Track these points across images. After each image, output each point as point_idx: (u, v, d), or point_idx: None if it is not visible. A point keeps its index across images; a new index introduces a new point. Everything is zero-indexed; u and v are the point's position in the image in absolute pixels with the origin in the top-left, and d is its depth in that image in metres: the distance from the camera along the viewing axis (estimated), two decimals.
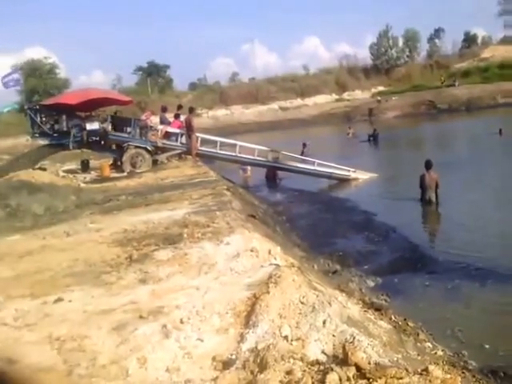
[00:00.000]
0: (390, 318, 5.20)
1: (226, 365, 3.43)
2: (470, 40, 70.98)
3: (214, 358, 3.51)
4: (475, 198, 12.47)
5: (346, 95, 58.75)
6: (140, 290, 4.82)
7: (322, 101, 57.26)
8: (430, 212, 12.22)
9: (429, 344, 4.81)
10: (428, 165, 12.42)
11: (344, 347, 3.28)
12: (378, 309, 5.33)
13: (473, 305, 6.52)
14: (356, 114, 49.83)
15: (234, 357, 3.50)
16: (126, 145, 17.41)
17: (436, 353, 4.60)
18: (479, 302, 6.60)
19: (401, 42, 66.13)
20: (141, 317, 4.10)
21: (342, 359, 3.23)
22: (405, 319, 5.37)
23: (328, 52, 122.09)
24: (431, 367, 3.21)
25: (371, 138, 29.31)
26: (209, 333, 3.85)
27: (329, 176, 17.45)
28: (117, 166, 18.07)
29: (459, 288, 7.06)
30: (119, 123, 18.57)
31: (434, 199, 12.27)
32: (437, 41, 72.02)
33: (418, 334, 4.99)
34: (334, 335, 3.63)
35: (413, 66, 63.90)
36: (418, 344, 4.68)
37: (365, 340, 3.56)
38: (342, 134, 34.95)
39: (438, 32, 71.83)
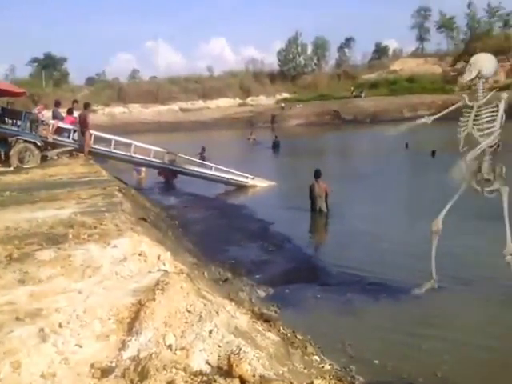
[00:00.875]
0: (279, 330, 5.17)
1: (105, 372, 3.32)
2: (380, 51, 72.05)
3: (92, 365, 3.39)
4: (372, 211, 12.50)
5: (249, 100, 59.27)
6: (18, 290, 4.57)
7: (225, 104, 57.62)
8: (322, 223, 12.33)
9: (317, 357, 4.85)
10: (317, 174, 12.44)
11: (229, 358, 3.25)
12: (267, 320, 5.25)
13: (364, 319, 6.56)
14: (259, 120, 50.29)
15: (113, 364, 3.40)
16: (14, 138, 16.47)
17: (323, 367, 4.63)
18: (371, 316, 6.63)
19: (310, 50, 66.92)
20: (17, 318, 3.89)
21: (226, 371, 3.21)
22: (293, 331, 5.36)
23: (234, 55, 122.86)
24: (317, 381, 3.24)
25: (273, 146, 29.78)
26: (89, 338, 3.71)
27: (226, 182, 17.55)
28: (0, 159, 17.08)
29: (351, 302, 7.09)
30: (9, 115, 17.54)
31: (324, 209, 12.32)
32: (346, 50, 72.99)
33: (306, 347, 5.01)
34: (219, 346, 3.59)
35: (320, 74, 64.74)
36: (306, 357, 4.71)
37: (251, 352, 3.55)
38: (244, 139, 35.37)
39: (348, 41, 72.56)
